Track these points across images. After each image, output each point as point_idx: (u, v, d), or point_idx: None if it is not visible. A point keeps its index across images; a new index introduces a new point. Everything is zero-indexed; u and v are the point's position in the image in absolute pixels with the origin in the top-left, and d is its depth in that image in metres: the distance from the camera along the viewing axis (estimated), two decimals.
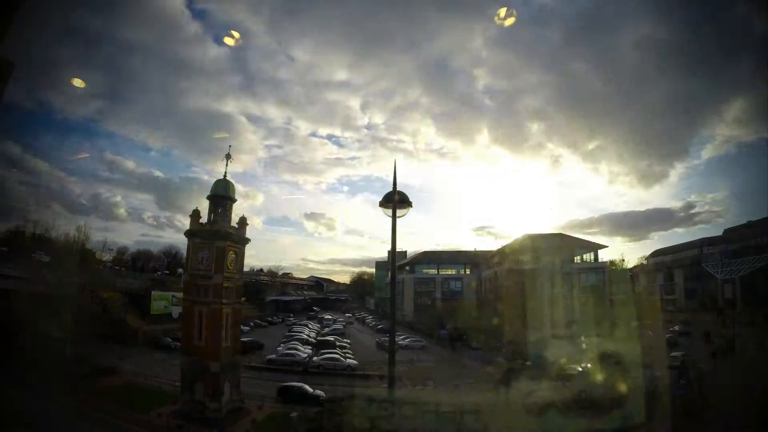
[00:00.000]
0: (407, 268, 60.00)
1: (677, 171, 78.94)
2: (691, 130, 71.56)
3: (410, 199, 10.00)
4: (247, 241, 26.92)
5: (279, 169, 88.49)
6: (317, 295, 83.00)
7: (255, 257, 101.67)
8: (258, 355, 35.98)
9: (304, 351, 37.20)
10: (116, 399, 23.93)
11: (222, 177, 26.25)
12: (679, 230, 76.20)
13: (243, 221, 26.73)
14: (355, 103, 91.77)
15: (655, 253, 60.00)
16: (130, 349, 34.00)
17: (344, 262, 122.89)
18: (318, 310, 71.97)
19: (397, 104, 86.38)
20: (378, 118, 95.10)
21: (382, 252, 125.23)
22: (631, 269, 55.62)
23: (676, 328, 42.11)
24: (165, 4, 70.86)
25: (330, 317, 63.14)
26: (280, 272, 75.25)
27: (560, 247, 47.44)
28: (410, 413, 12.62)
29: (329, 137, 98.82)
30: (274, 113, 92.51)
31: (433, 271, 59.33)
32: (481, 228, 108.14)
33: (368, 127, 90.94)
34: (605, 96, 71.75)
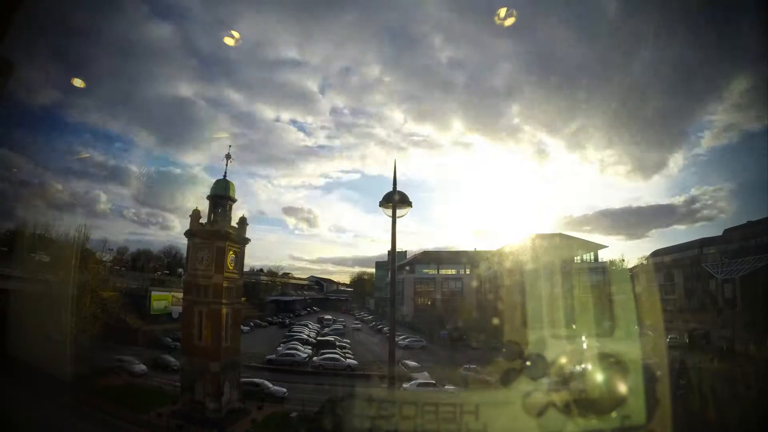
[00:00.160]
0: (407, 268, 60.01)
1: (676, 161, 71.71)
2: (689, 112, 65.52)
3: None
4: (247, 241, 26.98)
5: (248, 159, 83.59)
6: (317, 295, 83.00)
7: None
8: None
9: (304, 351, 37.21)
10: (116, 399, 23.96)
11: (222, 177, 26.36)
12: (680, 227, 71.19)
13: (243, 221, 26.80)
14: (312, 84, 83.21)
15: (656, 253, 59.95)
16: (130, 349, 34.05)
17: (335, 261, 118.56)
18: (318, 309, 72.04)
19: (358, 84, 78.96)
20: (339, 101, 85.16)
21: (370, 250, 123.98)
22: (631, 269, 55.60)
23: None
24: None
25: (330, 317, 63.22)
26: (280, 272, 75.30)
27: (560, 247, 47.46)
28: (410, 413, 12.61)
29: (293, 123, 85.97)
30: (234, 98, 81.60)
31: (433, 271, 59.33)
32: (462, 226, 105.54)
33: (332, 111, 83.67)
34: (590, 71, 64.03)
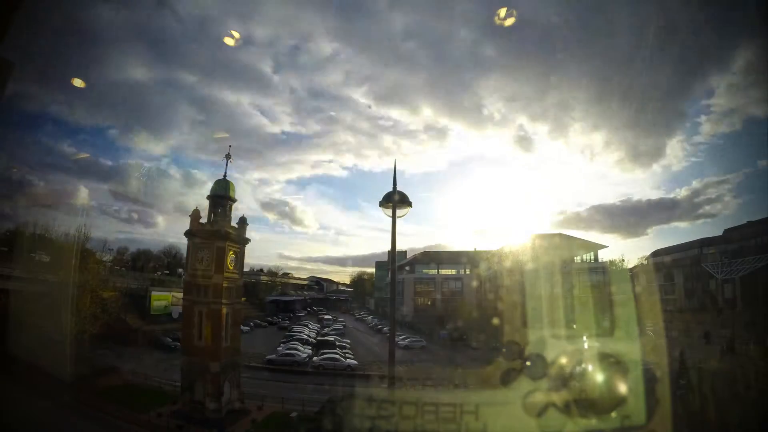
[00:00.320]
0: (407, 268, 60.01)
1: (674, 150, 65.57)
2: (686, 87, 57.41)
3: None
4: (248, 241, 26.97)
5: (215, 149, 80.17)
6: (317, 295, 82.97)
7: None
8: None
9: (304, 351, 37.22)
10: (116, 399, 23.96)
11: (222, 177, 26.35)
12: (681, 224, 68.94)
13: (243, 221, 26.80)
14: (264, 64, 78.11)
15: (656, 253, 59.93)
16: (131, 349, 34.06)
17: (324, 261, 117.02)
18: (318, 309, 72.05)
19: (309, 63, 74.67)
20: (295, 82, 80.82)
21: (360, 249, 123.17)
22: (631, 269, 55.57)
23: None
24: None
25: (330, 317, 63.24)
26: (280, 272, 75.32)
27: (560, 247, 47.45)
28: (410, 413, 12.61)
29: (254, 107, 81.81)
30: (188, 80, 76.01)
31: (433, 271, 59.33)
32: (449, 224, 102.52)
33: (290, 93, 79.40)
34: (568, 36, 55.98)
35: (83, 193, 59.43)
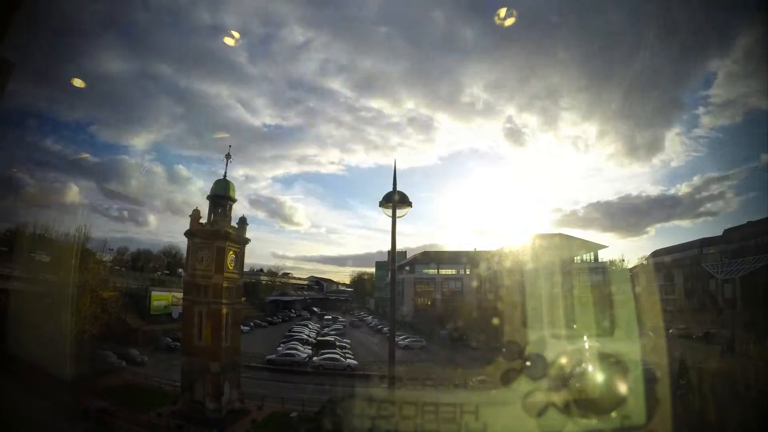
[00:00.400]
0: (407, 268, 60.01)
1: (674, 144, 62.54)
2: (684, 71, 54.50)
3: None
4: (247, 241, 26.97)
5: (196, 145, 76.32)
6: (317, 295, 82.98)
7: None
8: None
9: (304, 351, 37.21)
10: (116, 399, 23.96)
11: (222, 177, 26.34)
12: (681, 223, 67.74)
13: (243, 221, 26.80)
14: (239, 54, 76.11)
15: (655, 253, 59.93)
16: (130, 349, 34.04)
17: (321, 260, 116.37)
18: (318, 310, 72.05)
19: (282, 51, 72.18)
20: (271, 72, 78.44)
21: (352, 249, 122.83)
22: (631, 269, 55.55)
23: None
24: None
25: (330, 317, 63.26)
26: (280, 272, 75.34)
27: (560, 247, 47.43)
28: (410, 413, 12.62)
29: (234, 98, 79.76)
30: (164, 71, 73.82)
31: (433, 271, 59.33)
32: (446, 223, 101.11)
33: (267, 83, 77.44)
34: (555, 17, 50.98)
35: (72, 191, 59.17)
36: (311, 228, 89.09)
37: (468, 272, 58.60)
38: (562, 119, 61.95)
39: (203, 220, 25.37)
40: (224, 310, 24.09)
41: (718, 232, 52.15)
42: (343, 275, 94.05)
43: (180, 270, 50.76)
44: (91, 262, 33.96)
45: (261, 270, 72.08)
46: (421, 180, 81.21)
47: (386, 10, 68.03)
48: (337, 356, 35.51)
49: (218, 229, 24.69)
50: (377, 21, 69.48)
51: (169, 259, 61.81)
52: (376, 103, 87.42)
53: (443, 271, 59.10)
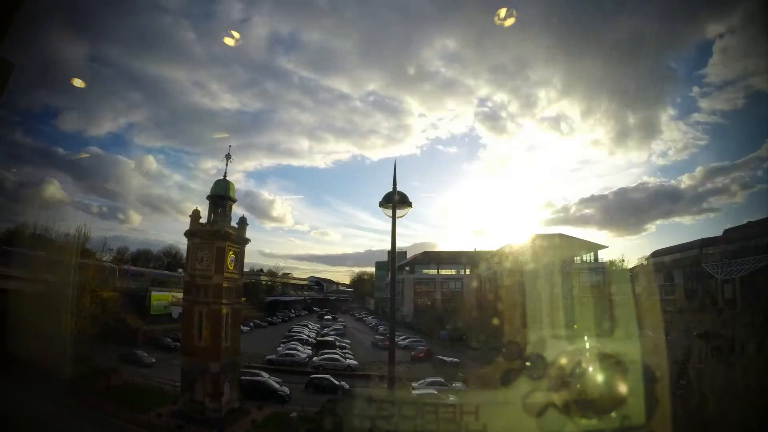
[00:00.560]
0: (407, 268, 60.03)
1: (671, 130, 59.61)
2: (677, 40, 49.37)
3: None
4: (247, 241, 26.98)
5: (158, 135, 76.79)
6: (317, 296, 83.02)
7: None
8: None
9: (304, 351, 37.21)
10: (116, 399, 23.95)
11: (222, 177, 26.35)
12: (682, 220, 67.11)
13: (243, 221, 26.81)
14: (184, 32, 73.60)
15: (655, 253, 59.94)
16: (130, 349, 34.03)
17: (313, 258, 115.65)
18: (318, 310, 72.09)
19: (225, 24, 69.63)
20: (217, 49, 76.37)
21: (344, 248, 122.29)
22: (631, 269, 55.52)
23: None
24: None
25: (330, 317, 63.27)
26: (280, 272, 75.40)
27: (560, 247, 47.44)
28: (410, 413, 12.61)
29: (191, 82, 78.08)
30: (112, 53, 72.62)
31: (433, 271, 59.34)
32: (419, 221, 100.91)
33: (217, 62, 75.56)
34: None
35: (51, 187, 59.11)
36: (296, 225, 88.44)
37: (468, 272, 58.64)
38: (538, 97, 57.00)
39: (203, 220, 25.41)
40: (224, 311, 24.10)
41: (720, 230, 52.06)
42: (343, 275, 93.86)
43: (180, 270, 50.71)
44: (91, 261, 33.98)
45: (261, 270, 72.18)
46: (402, 172, 78.66)
47: None
48: (337, 356, 35.51)
49: (218, 229, 24.69)
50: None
51: (169, 259, 61.93)
52: (334, 83, 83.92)
53: (443, 272, 59.14)
